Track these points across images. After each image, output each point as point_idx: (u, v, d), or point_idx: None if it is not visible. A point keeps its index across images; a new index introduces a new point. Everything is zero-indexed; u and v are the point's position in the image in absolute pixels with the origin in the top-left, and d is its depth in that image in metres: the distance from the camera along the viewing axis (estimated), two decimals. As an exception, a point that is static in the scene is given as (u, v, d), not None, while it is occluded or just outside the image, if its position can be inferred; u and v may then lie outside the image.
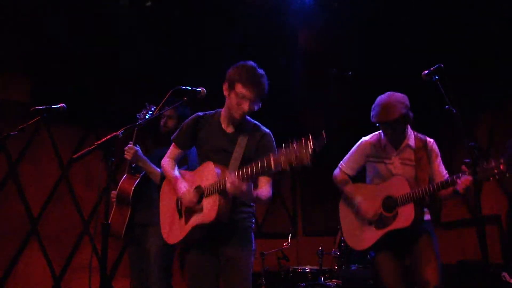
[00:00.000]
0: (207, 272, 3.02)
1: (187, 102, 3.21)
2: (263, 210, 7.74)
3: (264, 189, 2.97)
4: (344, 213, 3.66)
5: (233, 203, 2.90)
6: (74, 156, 3.16)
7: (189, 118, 3.20)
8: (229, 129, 3.07)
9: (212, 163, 2.93)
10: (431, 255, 3.30)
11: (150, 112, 3.94)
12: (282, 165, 2.47)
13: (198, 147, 3.18)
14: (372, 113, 3.44)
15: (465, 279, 5.04)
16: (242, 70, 2.93)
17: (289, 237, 5.84)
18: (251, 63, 2.98)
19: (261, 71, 2.95)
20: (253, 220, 3.15)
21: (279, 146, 2.50)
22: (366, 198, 3.50)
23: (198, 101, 3.26)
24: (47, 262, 6.15)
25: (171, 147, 3.25)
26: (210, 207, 2.85)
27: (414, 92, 3.76)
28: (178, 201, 3.08)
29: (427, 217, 3.41)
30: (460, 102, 3.20)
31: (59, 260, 6.23)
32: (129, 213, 3.81)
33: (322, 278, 5.09)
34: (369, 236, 3.42)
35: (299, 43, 5.68)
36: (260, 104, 2.97)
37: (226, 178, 2.74)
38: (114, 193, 3.87)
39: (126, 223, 3.78)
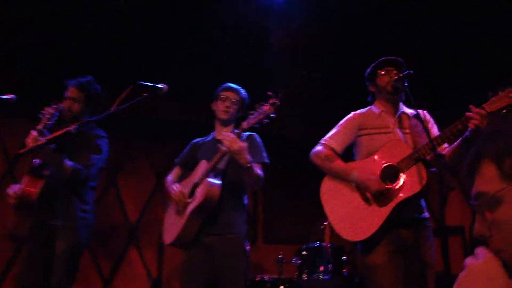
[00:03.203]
0: (199, 270, 3.41)
1: (148, 98, 3.24)
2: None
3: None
4: (332, 199, 3.25)
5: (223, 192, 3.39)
6: (20, 151, 3.12)
7: (188, 145, 3.86)
8: (221, 136, 3.52)
9: (205, 161, 3.50)
10: (431, 261, 3.11)
11: (57, 113, 3.69)
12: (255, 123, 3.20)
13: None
14: (372, 65, 3.35)
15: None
16: (220, 86, 3.72)
17: (249, 244, 5.84)
18: None
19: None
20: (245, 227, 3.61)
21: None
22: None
23: (159, 98, 3.29)
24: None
25: (174, 169, 3.84)
26: (201, 190, 3.38)
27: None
28: (176, 203, 3.55)
29: (426, 214, 3.25)
30: (430, 108, 3.31)
31: None
32: (33, 215, 3.66)
33: (281, 288, 5.16)
34: (372, 219, 3.02)
35: (271, 41, 5.65)
36: (241, 109, 3.66)
37: (222, 139, 3.28)
38: (14, 192, 3.60)
39: (30, 226, 3.65)
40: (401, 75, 3.14)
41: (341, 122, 3.42)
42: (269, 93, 3.18)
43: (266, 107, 3.17)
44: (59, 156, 3.58)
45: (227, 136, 3.25)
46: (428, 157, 2.98)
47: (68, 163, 3.60)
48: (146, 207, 6.81)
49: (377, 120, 3.31)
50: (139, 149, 6.94)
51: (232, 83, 3.77)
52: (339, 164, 3.23)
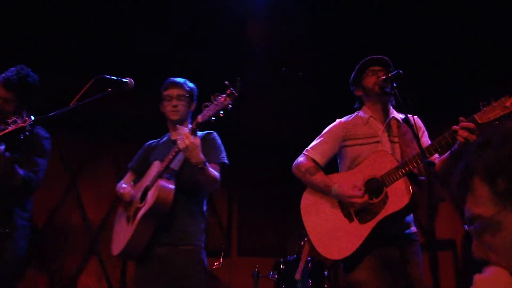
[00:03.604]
0: (154, 286, 3.27)
1: (112, 94, 3.17)
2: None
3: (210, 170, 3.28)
4: (312, 215, 3.22)
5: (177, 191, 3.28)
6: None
7: (141, 149, 3.79)
8: (175, 136, 3.41)
9: (158, 161, 3.42)
10: (420, 277, 3.02)
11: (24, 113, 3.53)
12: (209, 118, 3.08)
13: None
14: (356, 67, 3.26)
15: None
16: (163, 83, 3.61)
17: (221, 256, 5.70)
18: None
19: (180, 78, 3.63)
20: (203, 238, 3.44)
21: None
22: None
23: (125, 93, 3.22)
24: None
25: (127, 174, 3.78)
26: (152, 193, 3.26)
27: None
28: (126, 209, 3.49)
29: (414, 228, 3.17)
30: (422, 113, 3.28)
31: None
32: None
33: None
34: (354, 236, 2.97)
35: (248, 34, 5.50)
36: (190, 103, 3.57)
37: (177, 138, 3.14)
38: None
39: None
40: (389, 75, 3.06)
41: (325, 130, 3.37)
42: (226, 82, 3.06)
43: (222, 98, 3.05)
44: (11, 162, 3.35)
45: (180, 130, 3.18)
46: (415, 170, 2.91)
47: (20, 172, 3.41)
48: (109, 213, 6.59)
49: (364, 127, 3.25)
50: (103, 149, 6.84)
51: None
52: (320, 177, 3.20)
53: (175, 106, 3.50)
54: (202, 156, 3.13)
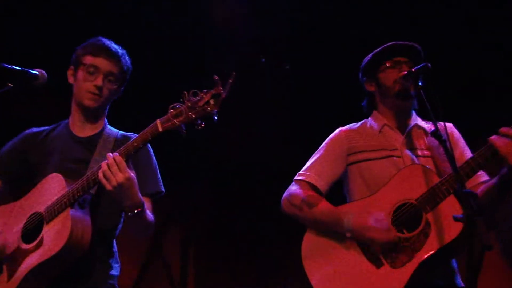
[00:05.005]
0: None
1: (16, 91, 2.98)
2: (131, 278, 7.40)
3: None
4: (319, 262, 3.07)
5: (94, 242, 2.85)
6: None
7: (16, 137, 3.29)
8: (83, 133, 3.22)
9: (60, 174, 2.96)
10: None
11: None
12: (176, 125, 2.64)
13: (35, 176, 3.13)
14: (374, 51, 3.21)
15: None
16: (89, 43, 3.21)
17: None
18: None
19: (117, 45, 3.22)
20: None
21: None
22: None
23: (36, 89, 3.04)
24: None
25: None
26: (56, 230, 2.81)
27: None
28: None
29: (459, 282, 2.99)
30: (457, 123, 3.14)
31: None
32: None
33: None
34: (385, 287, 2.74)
35: (215, 18, 5.56)
36: (120, 88, 3.23)
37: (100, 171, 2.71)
38: None
39: None
40: (412, 70, 2.99)
41: (324, 144, 3.26)
42: (216, 77, 2.59)
43: (202, 100, 2.59)
44: None
45: (104, 163, 2.73)
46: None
47: None
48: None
49: (377, 138, 3.18)
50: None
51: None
52: (325, 208, 3.01)
53: (99, 88, 3.10)
54: (140, 196, 2.78)
